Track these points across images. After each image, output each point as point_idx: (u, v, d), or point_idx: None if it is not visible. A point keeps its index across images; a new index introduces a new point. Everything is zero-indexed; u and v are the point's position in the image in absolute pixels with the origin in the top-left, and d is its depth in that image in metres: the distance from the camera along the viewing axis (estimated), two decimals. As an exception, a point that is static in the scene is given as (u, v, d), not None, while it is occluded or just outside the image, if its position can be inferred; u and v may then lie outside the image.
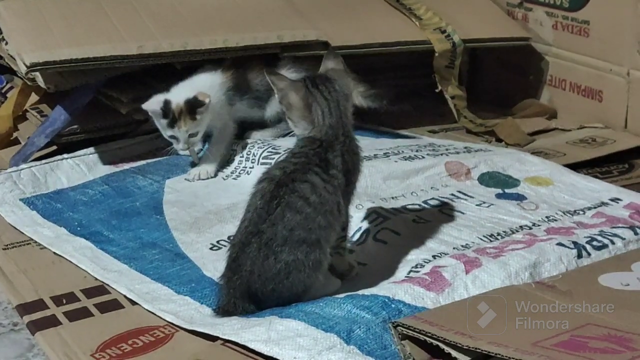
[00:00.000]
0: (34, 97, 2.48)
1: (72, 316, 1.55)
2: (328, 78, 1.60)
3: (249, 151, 2.22)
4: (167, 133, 2.15)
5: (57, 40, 2.18)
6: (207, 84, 2.21)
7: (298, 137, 1.61)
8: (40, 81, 2.23)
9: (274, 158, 2.13)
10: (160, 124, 2.15)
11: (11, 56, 2.33)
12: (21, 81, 2.47)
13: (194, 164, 2.24)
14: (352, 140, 1.61)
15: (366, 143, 2.28)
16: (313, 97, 1.57)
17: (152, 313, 1.55)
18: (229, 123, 2.28)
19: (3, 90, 2.63)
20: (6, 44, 2.33)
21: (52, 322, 1.53)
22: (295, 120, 1.60)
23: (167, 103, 2.12)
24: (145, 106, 2.13)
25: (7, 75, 2.65)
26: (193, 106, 2.12)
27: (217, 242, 1.85)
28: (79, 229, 1.92)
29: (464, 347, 1.23)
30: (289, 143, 2.20)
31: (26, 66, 2.11)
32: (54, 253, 1.81)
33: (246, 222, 1.53)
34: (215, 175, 2.20)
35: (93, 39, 2.21)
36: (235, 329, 1.44)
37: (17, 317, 1.58)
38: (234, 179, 2.18)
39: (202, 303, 1.58)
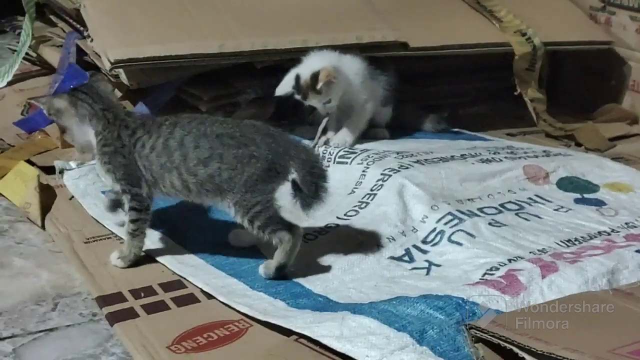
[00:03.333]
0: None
1: (150, 309, 1.58)
2: (87, 84, 1.82)
3: (325, 150, 2.23)
4: (305, 104, 2.25)
5: (141, 38, 2.22)
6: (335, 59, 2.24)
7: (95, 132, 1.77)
8: (123, 78, 2.27)
9: (350, 157, 2.13)
10: (297, 98, 2.22)
11: (96, 53, 2.37)
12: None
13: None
14: (125, 118, 1.77)
15: (442, 145, 2.28)
16: (76, 97, 1.77)
17: (227, 306, 1.57)
18: (369, 99, 2.32)
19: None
20: (91, 40, 2.38)
21: (130, 314, 1.56)
22: (71, 124, 1.78)
23: (297, 79, 2.19)
24: (279, 92, 2.22)
25: None
26: (314, 81, 2.17)
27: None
28: (157, 223, 1.94)
29: (538, 352, 1.22)
30: (365, 145, 2.22)
31: (110, 63, 2.16)
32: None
33: None
34: (353, 145, 2.25)
35: (175, 37, 2.24)
36: (308, 322, 1.45)
37: (96, 308, 1.62)
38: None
39: (275, 298, 1.59)
